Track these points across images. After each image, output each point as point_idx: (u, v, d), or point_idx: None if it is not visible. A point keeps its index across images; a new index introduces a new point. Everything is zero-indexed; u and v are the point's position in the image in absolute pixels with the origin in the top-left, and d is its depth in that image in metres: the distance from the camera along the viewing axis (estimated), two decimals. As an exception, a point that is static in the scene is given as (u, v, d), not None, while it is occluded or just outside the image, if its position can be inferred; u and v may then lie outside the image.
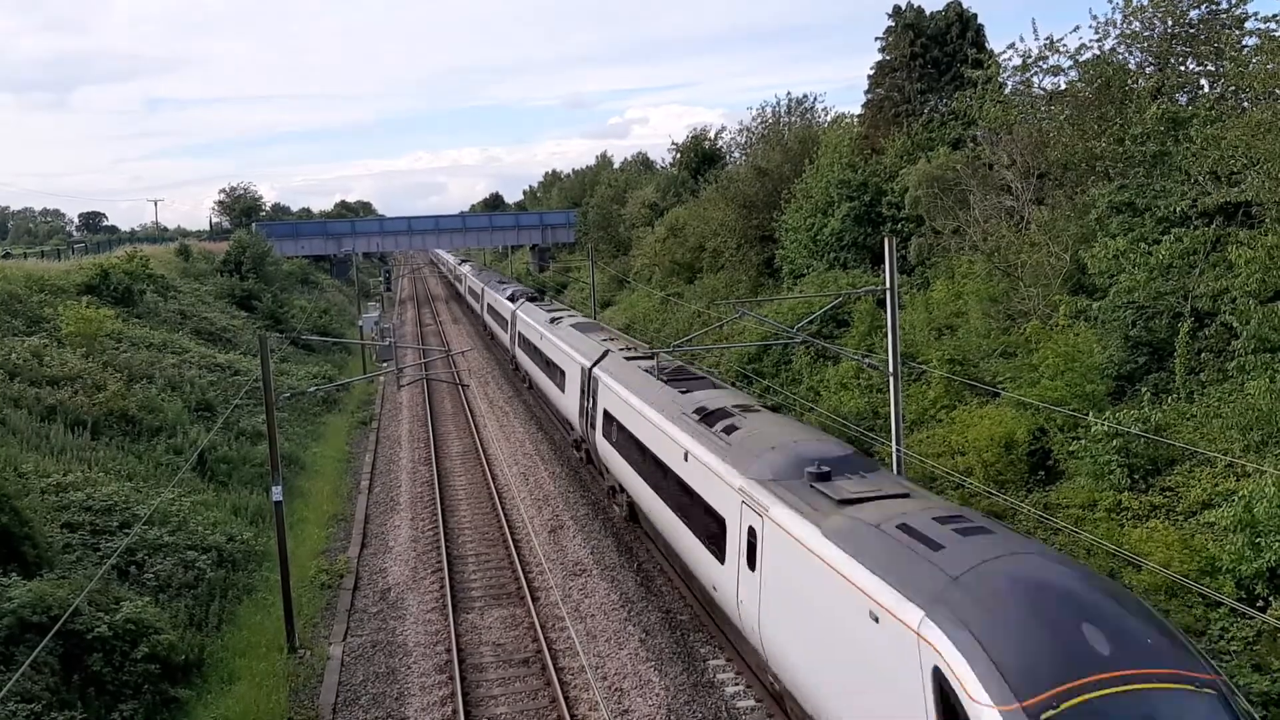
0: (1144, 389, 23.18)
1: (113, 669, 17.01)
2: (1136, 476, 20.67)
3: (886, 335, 21.73)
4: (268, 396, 21.17)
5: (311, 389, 37.15)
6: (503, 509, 29.38)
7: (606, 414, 27.56)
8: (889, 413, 21.73)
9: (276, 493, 21.02)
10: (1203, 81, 29.47)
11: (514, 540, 26.55)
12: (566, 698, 17.92)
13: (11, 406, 27.00)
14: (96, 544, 20.93)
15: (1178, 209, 24.69)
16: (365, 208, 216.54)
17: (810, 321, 32.24)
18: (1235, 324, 21.14)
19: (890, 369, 21.47)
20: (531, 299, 53.83)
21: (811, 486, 15.37)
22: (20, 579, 17.68)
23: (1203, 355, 22.59)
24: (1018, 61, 31.97)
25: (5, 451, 23.26)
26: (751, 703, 17.57)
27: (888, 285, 21.39)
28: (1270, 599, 16.39)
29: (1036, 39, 31.32)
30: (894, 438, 21.40)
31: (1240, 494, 17.64)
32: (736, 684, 18.27)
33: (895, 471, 19.44)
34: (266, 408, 21.31)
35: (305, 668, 19.84)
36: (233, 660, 19.72)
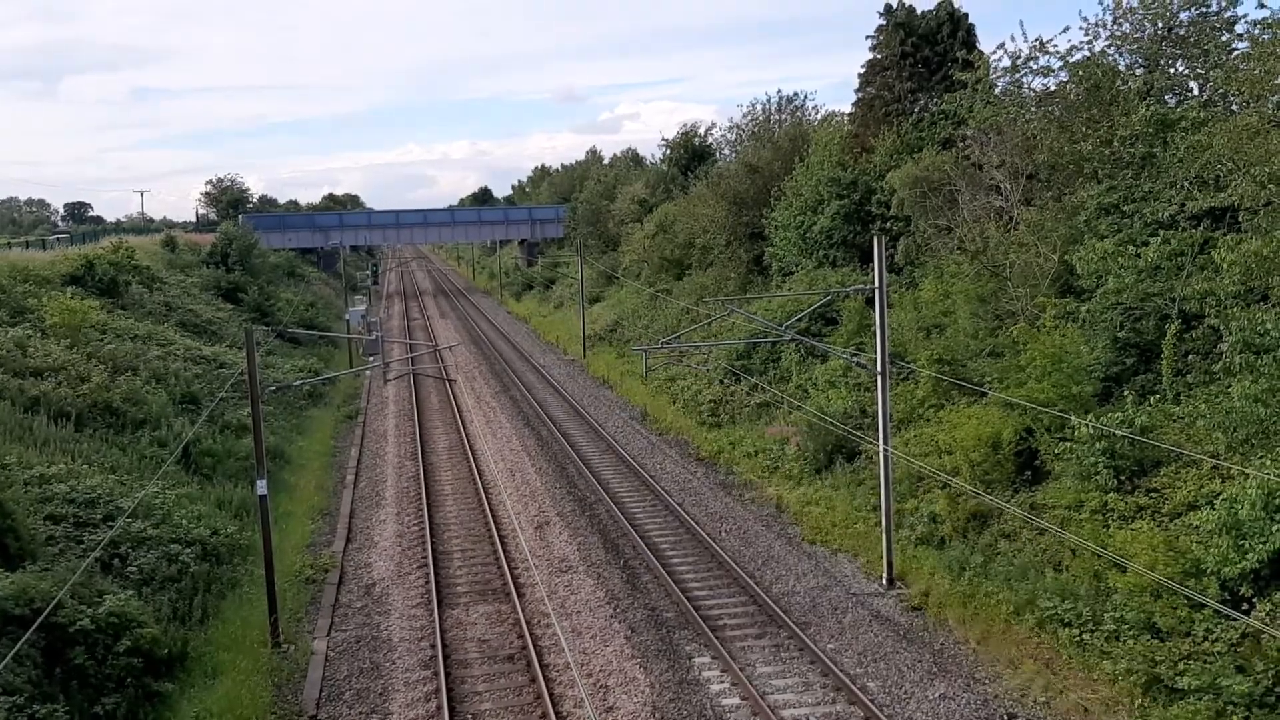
0: (1130, 390, 23.24)
1: (95, 662, 16.91)
2: (1123, 478, 20.70)
3: (875, 334, 21.76)
4: (253, 390, 21.07)
5: (297, 383, 37.02)
6: (489, 505, 29.32)
7: None
8: (876, 411, 21.79)
9: (261, 486, 20.93)
10: (1192, 84, 29.56)
11: (500, 536, 26.50)
12: (551, 694, 17.88)
13: (-6, 397, 26.82)
14: (80, 537, 20.79)
15: (1165, 213, 24.76)
16: (353, 200, 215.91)
17: (799, 319, 32.24)
18: (1221, 326, 21.21)
19: (878, 368, 21.53)
20: None
21: None
22: (3, 571, 17.56)
23: (1190, 357, 22.65)
24: (1007, 63, 32.00)
25: (-12, 443, 23.11)
26: (736, 700, 17.59)
27: (876, 284, 21.43)
28: (1254, 601, 16.46)
29: (1025, 40, 31.35)
30: (881, 436, 21.47)
31: (1225, 496, 17.70)
32: (721, 681, 18.28)
33: (881, 469, 19.79)
34: (252, 401, 21.21)
35: (289, 663, 19.76)
36: (216, 655, 19.60)
